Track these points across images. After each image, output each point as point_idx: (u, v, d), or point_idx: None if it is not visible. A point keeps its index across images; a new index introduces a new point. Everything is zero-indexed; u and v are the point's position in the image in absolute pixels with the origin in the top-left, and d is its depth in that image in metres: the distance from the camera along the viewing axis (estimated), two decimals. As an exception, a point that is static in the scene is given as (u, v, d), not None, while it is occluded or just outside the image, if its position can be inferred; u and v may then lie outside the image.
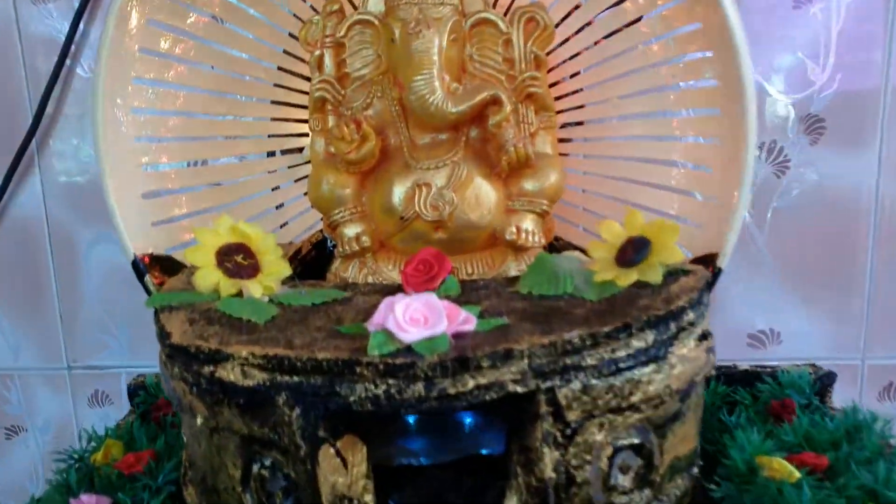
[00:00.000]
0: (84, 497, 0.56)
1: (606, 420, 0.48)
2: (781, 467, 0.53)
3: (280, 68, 0.72)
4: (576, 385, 0.47)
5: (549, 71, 0.65)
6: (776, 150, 0.79)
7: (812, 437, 0.59)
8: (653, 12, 0.65)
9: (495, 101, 0.61)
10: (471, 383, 0.45)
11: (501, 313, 0.51)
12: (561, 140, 0.69)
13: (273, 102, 0.73)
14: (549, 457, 0.47)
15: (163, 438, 0.64)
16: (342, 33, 0.64)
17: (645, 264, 0.54)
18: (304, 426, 0.47)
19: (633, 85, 0.68)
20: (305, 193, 0.68)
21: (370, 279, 0.63)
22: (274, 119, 0.73)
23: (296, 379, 0.46)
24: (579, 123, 0.70)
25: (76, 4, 0.80)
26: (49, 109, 0.83)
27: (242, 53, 0.71)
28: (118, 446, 0.63)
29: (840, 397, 0.72)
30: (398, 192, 0.62)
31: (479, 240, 0.63)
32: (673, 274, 0.55)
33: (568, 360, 0.47)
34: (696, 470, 0.56)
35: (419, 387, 0.45)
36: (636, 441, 0.50)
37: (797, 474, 0.53)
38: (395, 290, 0.57)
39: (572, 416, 0.47)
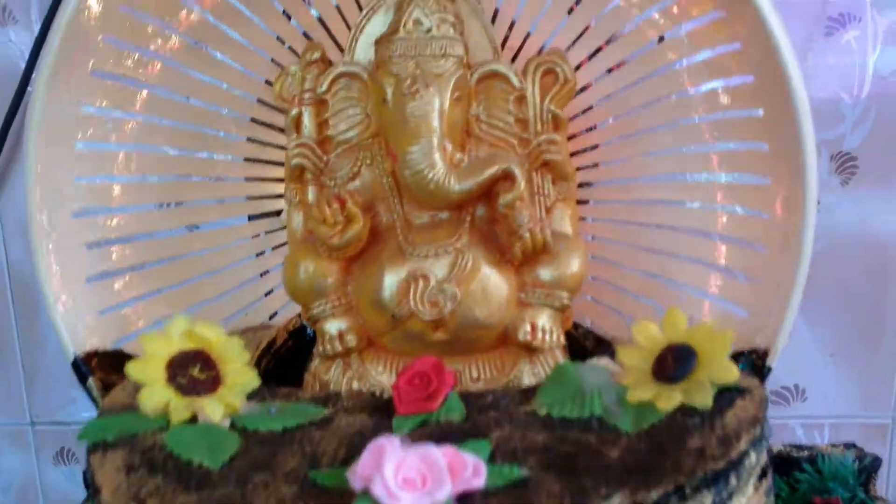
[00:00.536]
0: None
1: None
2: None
3: (254, 120, 0.62)
4: (613, 562, 0.37)
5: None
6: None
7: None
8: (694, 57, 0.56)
9: (507, 177, 0.51)
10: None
11: (517, 455, 0.41)
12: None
13: (247, 160, 0.63)
14: None
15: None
16: (324, 88, 0.54)
17: (691, 381, 0.44)
18: None
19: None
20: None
21: (355, 384, 0.53)
22: (249, 179, 0.64)
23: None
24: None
25: (36, 30, 0.70)
26: (10, 141, 0.73)
27: (208, 105, 0.62)
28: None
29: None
30: (390, 283, 0.51)
31: (486, 340, 0.53)
32: (724, 392, 0.45)
33: (604, 533, 0.36)
34: None
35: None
36: None
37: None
38: (384, 404, 0.48)
39: None
